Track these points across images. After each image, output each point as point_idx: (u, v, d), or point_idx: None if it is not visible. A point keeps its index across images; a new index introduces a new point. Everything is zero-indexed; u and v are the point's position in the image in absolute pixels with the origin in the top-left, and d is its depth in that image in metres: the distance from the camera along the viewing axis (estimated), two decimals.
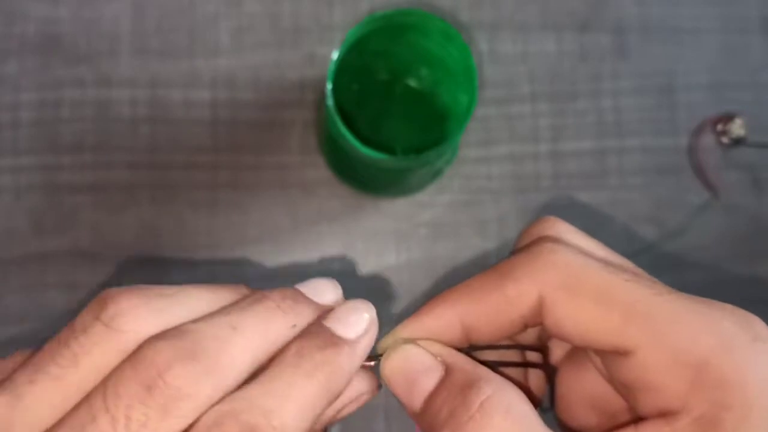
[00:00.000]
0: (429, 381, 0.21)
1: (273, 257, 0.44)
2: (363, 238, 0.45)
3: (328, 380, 0.20)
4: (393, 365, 0.22)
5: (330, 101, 0.35)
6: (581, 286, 0.21)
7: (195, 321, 0.20)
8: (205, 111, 0.45)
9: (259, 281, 0.44)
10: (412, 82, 0.42)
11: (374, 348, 0.22)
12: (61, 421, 0.18)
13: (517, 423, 0.20)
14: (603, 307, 0.20)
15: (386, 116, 0.43)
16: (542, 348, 0.24)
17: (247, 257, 0.44)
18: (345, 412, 0.23)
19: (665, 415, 0.20)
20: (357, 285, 0.44)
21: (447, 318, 0.22)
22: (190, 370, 0.18)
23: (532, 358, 0.25)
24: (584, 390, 0.24)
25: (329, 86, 0.35)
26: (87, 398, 0.18)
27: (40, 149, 0.44)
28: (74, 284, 0.43)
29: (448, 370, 0.21)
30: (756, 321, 0.20)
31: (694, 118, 0.47)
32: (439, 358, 0.22)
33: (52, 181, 0.44)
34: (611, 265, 0.21)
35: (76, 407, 0.18)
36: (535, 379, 0.25)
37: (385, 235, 0.45)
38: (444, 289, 0.46)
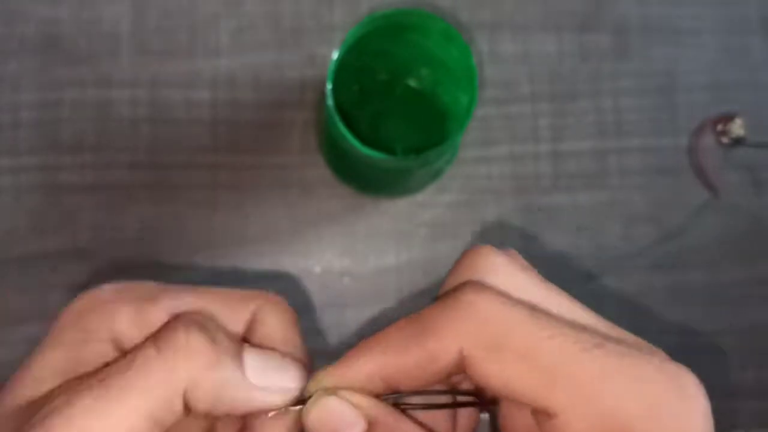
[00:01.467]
0: None
1: (273, 257, 0.44)
2: (363, 238, 0.45)
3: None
4: (315, 417, 0.22)
5: (330, 101, 0.35)
6: (503, 344, 0.20)
7: None
8: (205, 111, 0.45)
9: (259, 281, 0.44)
10: (412, 82, 0.42)
11: (302, 391, 0.22)
12: None
13: None
14: (525, 367, 0.19)
15: (386, 116, 0.43)
16: (473, 392, 0.24)
17: (247, 257, 0.44)
18: None
19: None
20: (357, 285, 0.44)
21: (367, 371, 0.21)
22: None
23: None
24: (523, 423, 0.23)
25: (329, 86, 0.35)
26: None
27: (40, 149, 0.44)
28: (74, 284, 0.43)
29: (370, 425, 0.21)
30: (685, 376, 0.20)
31: (694, 118, 0.47)
32: (360, 412, 0.21)
33: (52, 181, 0.44)
34: (538, 313, 0.20)
35: None
36: (466, 416, 0.25)
37: (385, 235, 0.45)
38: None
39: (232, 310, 0.23)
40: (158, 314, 0.22)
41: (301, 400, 0.22)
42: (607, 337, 0.20)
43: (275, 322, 0.23)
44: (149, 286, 0.23)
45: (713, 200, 0.46)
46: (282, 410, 0.22)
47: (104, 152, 0.44)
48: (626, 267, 0.45)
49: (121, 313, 0.22)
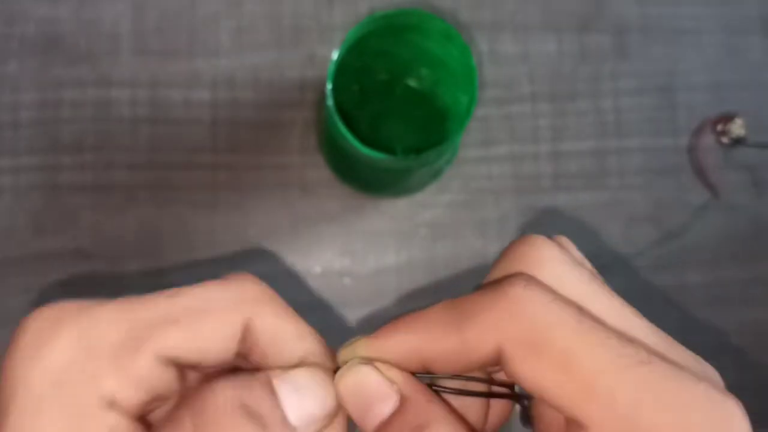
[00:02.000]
0: (383, 408, 0.21)
1: (273, 257, 0.44)
2: (363, 238, 0.45)
3: None
4: (348, 384, 0.21)
5: (330, 101, 0.35)
6: (544, 347, 0.19)
7: None
8: (205, 111, 0.45)
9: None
10: (412, 82, 0.42)
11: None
12: None
13: None
14: (563, 375, 0.19)
15: (386, 116, 0.43)
16: (510, 383, 0.23)
17: (247, 257, 0.44)
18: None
19: None
20: (357, 285, 0.44)
21: (405, 347, 0.21)
22: None
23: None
24: (560, 421, 0.22)
25: (329, 86, 0.35)
26: None
27: (40, 149, 0.44)
28: (74, 284, 0.43)
29: (402, 402, 0.21)
30: (730, 408, 0.19)
31: (694, 118, 0.47)
32: (395, 386, 0.21)
33: (52, 181, 0.44)
34: (584, 317, 0.20)
35: None
36: (499, 406, 0.24)
37: (385, 235, 0.45)
38: (444, 289, 0.46)
39: (221, 329, 0.21)
40: (146, 363, 0.19)
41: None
42: (654, 353, 0.19)
43: (273, 321, 0.22)
44: (105, 319, 0.20)
45: (713, 200, 0.46)
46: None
47: (104, 152, 0.44)
48: (626, 267, 0.45)
49: (107, 374, 0.19)
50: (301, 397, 0.21)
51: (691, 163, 0.47)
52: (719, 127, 0.46)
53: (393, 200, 0.45)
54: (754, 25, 0.48)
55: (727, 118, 0.46)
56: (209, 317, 0.21)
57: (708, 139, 0.46)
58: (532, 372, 0.19)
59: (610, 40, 0.47)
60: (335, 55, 0.35)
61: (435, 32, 0.37)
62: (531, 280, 0.20)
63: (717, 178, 0.46)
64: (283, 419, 0.20)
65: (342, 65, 0.36)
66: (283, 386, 0.20)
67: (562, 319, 0.19)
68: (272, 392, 0.20)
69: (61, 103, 0.44)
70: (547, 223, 0.45)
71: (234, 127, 0.45)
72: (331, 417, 0.21)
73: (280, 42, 0.46)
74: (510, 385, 0.23)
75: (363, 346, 0.22)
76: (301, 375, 0.21)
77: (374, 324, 0.46)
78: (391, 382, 0.21)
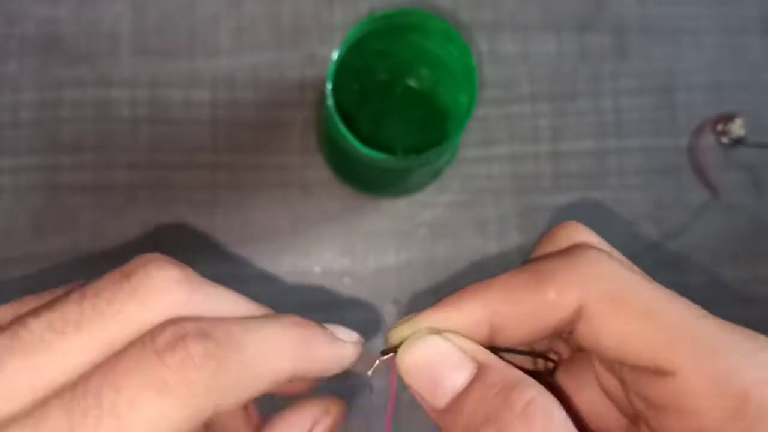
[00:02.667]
0: (458, 379, 0.20)
1: (273, 257, 0.44)
2: (363, 238, 0.45)
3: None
4: (415, 357, 0.20)
5: (330, 101, 0.35)
6: (628, 300, 0.20)
7: (227, 320, 0.19)
8: (205, 111, 0.45)
9: (259, 281, 0.44)
10: (412, 82, 0.42)
11: (385, 339, 0.21)
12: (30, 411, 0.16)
13: (558, 430, 0.19)
14: (649, 326, 0.20)
15: (386, 116, 0.43)
16: (556, 359, 0.24)
17: (247, 257, 0.44)
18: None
19: None
20: (357, 285, 0.44)
21: (477, 315, 0.20)
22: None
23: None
24: (580, 405, 0.23)
25: (329, 86, 0.35)
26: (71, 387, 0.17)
27: (40, 149, 0.44)
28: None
29: (480, 368, 0.20)
30: None
31: (694, 118, 0.47)
32: (470, 354, 0.20)
33: (52, 181, 0.44)
34: (651, 280, 0.21)
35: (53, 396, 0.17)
36: None
37: (385, 235, 0.45)
38: (444, 289, 0.46)
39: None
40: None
41: (387, 350, 0.21)
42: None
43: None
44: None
45: (713, 200, 0.46)
46: (362, 362, 0.21)
47: (104, 152, 0.44)
48: None
49: None
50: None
51: (691, 163, 0.47)
52: (719, 127, 0.46)
53: (393, 200, 0.45)
54: (754, 25, 0.48)
55: (727, 118, 0.46)
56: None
57: (708, 139, 0.46)
58: (616, 326, 0.20)
59: (610, 40, 0.47)
60: (335, 55, 0.35)
61: (435, 32, 0.37)
62: (597, 247, 0.21)
63: (717, 178, 0.46)
64: None
65: (342, 65, 0.36)
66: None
67: (638, 279, 0.20)
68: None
69: (61, 103, 0.44)
70: (547, 223, 0.45)
71: (234, 127, 0.45)
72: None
73: (280, 42, 0.46)
74: (544, 355, 0.24)
75: (425, 319, 0.21)
76: (326, 427, 0.22)
77: (374, 324, 0.46)
78: (465, 350, 0.20)
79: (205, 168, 0.44)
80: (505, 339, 0.21)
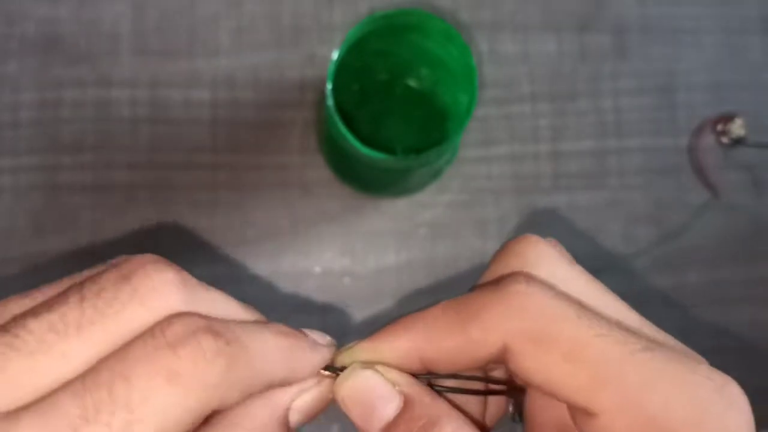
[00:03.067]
0: (387, 410, 0.21)
1: (273, 257, 0.44)
2: (363, 238, 0.45)
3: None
4: (349, 389, 0.21)
5: (330, 101, 0.35)
6: (551, 340, 0.19)
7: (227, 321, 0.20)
8: (205, 111, 0.45)
9: (259, 281, 0.44)
10: (412, 82, 0.42)
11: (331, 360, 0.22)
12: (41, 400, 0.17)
13: None
14: (571, 366, 0.19)
15: (386, 116, 0.43)
16: (507, 380, 0.24)
17: (247, 257, 0.44)
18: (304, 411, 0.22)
19: None
20: (357, 285, 0.44)
21: (405, 349, 0.21)
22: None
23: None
24: (553, 415, 0.22)
25: (329, 86, 0.35)
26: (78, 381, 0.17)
27: (40, 149, 0.44)
28: None
29: (407, 402, 0.21)
30: (731, 386, 0.19)
31: (694, 118, 0.47)
32: (397, 388, 0.21)
33: (52, 181, 0.44)
34: (586, 310, 0.20)
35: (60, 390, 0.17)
36: (495, 402, 0.24)
37: (385, 235, 0.45)
38: (444, 289, 0.46)
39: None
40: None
41: (332, 370, 0.22)
42: (653, 341, 0.20)
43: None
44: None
45: (713, 200, 0.46)
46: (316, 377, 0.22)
47: (104, 152, 0.44)
48: (626, 267, 0.45)
49: None
50: (309, 416, 0.22)
51: (691, 163, 0.47)
52: (719, 127, 0.46)
53: (393, 200, 0.45)
54: (754, 25, 0.48)
55: (727, 118, 0.46)
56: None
57: (708, 139, 0.46)
58: (539, 365, 0.20)
59: (610, 40, 0.47)
60: (335, 55, 0.35)
61: (435, 32, 0.37)
62: (531, 277, 0.21)
63: (717, 178, 0.46)
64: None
65: (342, 65, 0.36)
66: (294, 417, 0.22)
67: (566, 313, 0.20)
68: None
69: (61, 103, 0.44)
70: (547, 223, 0.45)
71: (234, 127, 0.45)
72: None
73: (280, 42, 0.46)
74: (506, 382, 0.23)
75: (361, 350, 0.22)
76: (308, 397, 0.22)
77: (374, 324, 0.46)
78: (393, 383, 0.21)
79: (205, 168, 0.44)
80: (441, 369, 0.21)
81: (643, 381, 0.19)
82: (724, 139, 0.46)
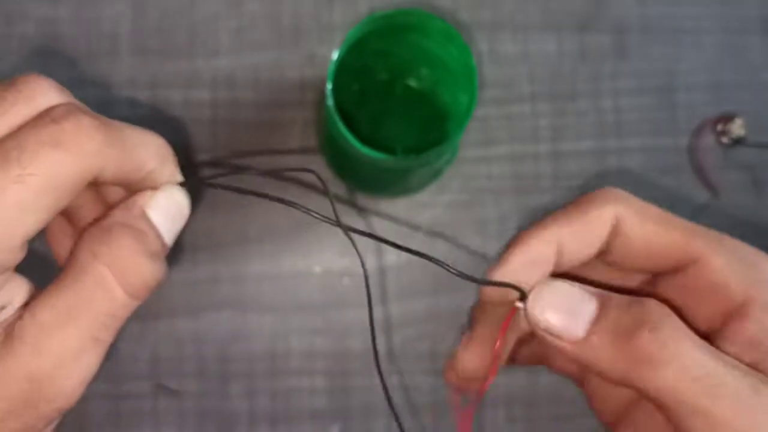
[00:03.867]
0: (590, 308, 0.24)
1: (273, 257, 0.44)
2: (363, 238, 0.45)
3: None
4: (548, 298, 0.24)
5: (330, 101, 0.35)
6: (648, 211, 0.25)
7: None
8: (205, 111, 0.45)
9: (259, 281, 0.44)
10: (412, 82, 0.42)
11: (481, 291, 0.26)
12: None
13: (682, 332, 0.22)
14: (667, 227, 0.25)
15: (386, 116, 0.43)
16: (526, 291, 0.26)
17: (247, 257, 0.44)
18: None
19: (729, 316, 0.23)
20: (357, 285, 0.44)
21: (548, 238, 0.25)
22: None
23: None
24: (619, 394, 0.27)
25: (329, 86, 0.35)
26: None
27: None
28: None
29: (601, 298, 0.24)
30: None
31: (694, 118, 0.47)
32: (590, 289, 0.24)
33: None
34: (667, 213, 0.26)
35: None
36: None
37: (385, 235, 0.45)
38: (443, 289, 0.46)
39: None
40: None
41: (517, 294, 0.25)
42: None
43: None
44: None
45: (713, 200, 0.46)
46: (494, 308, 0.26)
47: None
48: None
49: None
50: (167, 216, 0.26)
51: (691, 163, 0.47)
52: (719, 127, 0.46)
53: (393, 200, 0.45)
54: (754, 25, 0.48)
55: (727, 118, 0.46)
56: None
57: (708, 139, 0.46)
58: (642, 230, 0.25)
59: (610, 40, 0.47)
60: (335, 55, 0.35)
61: (435, 32, 0.36)
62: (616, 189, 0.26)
63: (717, 178, 0.46)
64: (158, 235, 0.26)
65: (342, 65, 0.36)
66: (153, 213, 0.26)
67: (650, 205, 0.26)
68: (147, 219, 0.26)
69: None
70: None
71: (234, 127, 0.45)
72: (186, 217, 0.28)
73: (280, 42, 0.46)
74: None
75: (513, 254, 0.26)
76: (162, 198, 0.26)
77: (374, 324, 0.46)
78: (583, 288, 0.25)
79: (205, 168, 0.44)
80: (566, 260, 0.25)
81: (721, 236, 0.25)
82: (724, 139, 0.46)
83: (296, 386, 0.44)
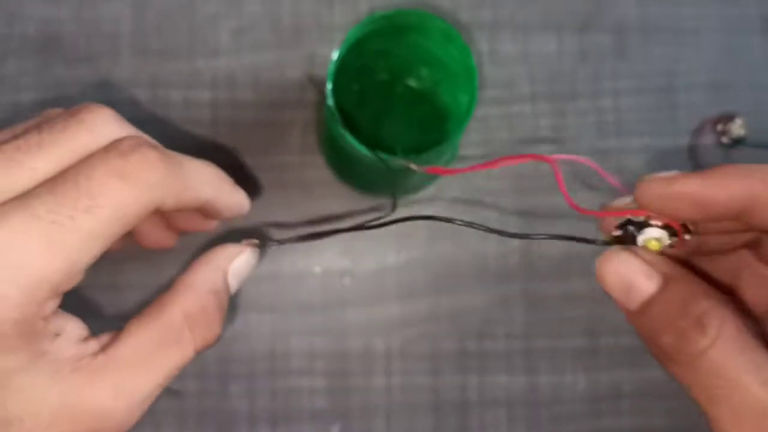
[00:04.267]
0: (647, 287, 0.24)
1: (273, 257, 0.44)
2: (363, 238, 0.45)
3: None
4: (610, 268, 0.25)
5: (330, 101, 0.35)
6: None
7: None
8: (205, 111, 0.45)
9: (259, 281, 0.44)
10: (412, 82, 0.42)
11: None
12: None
13: (731, 337, 0.22)
14: None
15: (386, 116, 0.43)
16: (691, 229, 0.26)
17: None
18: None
19: None
20: (357, 285, 0.44)
21: (690, 188, 0.25)
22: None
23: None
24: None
25: (329, 86, 0.35)
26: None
27: None
28: None
29: (666, 281, 0.24)
30: None
31: (694, 118, 0.47)
32: (658, 268, 0.24)
33: None
34: None
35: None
36: (756, 285, 0.27)
37: (385, 235, 0.45)
38: (443, 289, 0.46)
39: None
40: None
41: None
42: None
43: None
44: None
45: None
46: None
47: None
48: None
49: None
50: (240, 279, 0.28)
51: (691, 163, 0.47)
52: (719, 127, 0.46)
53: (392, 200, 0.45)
54: (754, 25, 0.48)
55: (727, 118, 0.46)
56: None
57: (708, 139, 0.46)
58: None
59: (610, 40, 0.47)
60: (335, 55, 0.35)
61: (435, 32, 0.36)
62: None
63: None
64: (229, 297, 0.28)
65: (342, 65, 0.36)
66: (232, 279, 0.28)
67: None
68: (227, 283, 0.28)
69: (61, 103, 0.44)
70: (547, 223, 0.45)
71: (234, 127, 0.45)
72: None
73: (280, 42, 0.46)
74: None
75: (657, 181, 0.25)
76: (243, 263, 0.28)
77: (375, 324, 0.46)
78: (652, 265, 0.24)
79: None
80: (708, 212, 0.25)
81: None
82: (724, 139, 0.46)
83: (296, 386, 0.44)
